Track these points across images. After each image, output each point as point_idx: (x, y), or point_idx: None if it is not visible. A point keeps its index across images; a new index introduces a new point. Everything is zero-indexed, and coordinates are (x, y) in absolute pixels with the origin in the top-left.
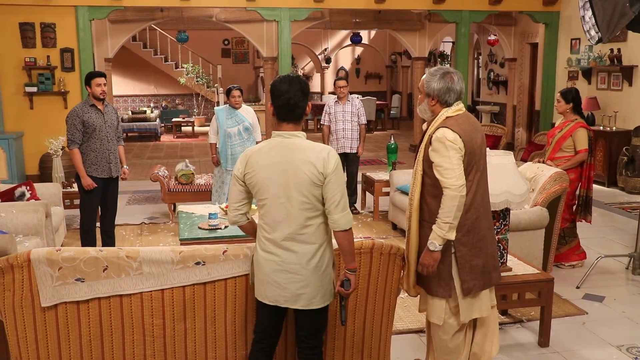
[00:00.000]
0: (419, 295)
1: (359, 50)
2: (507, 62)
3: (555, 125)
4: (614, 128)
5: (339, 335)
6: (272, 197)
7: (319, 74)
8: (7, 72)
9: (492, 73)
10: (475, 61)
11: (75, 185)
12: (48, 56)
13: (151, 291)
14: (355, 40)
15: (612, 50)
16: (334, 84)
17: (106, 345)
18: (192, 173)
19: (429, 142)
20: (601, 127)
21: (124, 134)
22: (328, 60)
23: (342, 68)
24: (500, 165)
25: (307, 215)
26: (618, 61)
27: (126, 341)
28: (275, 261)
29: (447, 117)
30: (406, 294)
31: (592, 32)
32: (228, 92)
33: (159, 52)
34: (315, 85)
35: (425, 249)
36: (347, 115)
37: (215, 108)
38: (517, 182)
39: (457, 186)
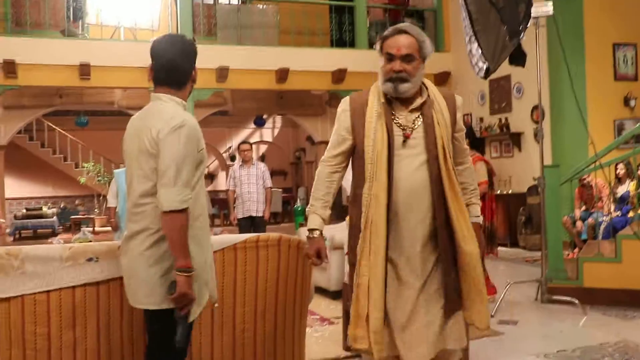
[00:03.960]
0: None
1: (263, 148)
2: None
3: None
4: (510, 191)
5: (248, 340)
6: (128, 164)
7: (224, 172)
8: None
9: None
10: None
11: None
12: None
13: (34, 293)
14: (259, 123)
15: (500, 119)
16: (238, 147)
17: None
18: (90, 241)
19: (452, 111)
20: (498, 192)
21: (17, 232)
22: (233, 158)
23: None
24: None
25: (143, 188)
26: (506, 129)
27: (1, 358)
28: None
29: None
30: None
31: (480, 64)
32: None
33: (57, 152)
34: (220, 184)
35: (476, 225)
36: (252, 178)
37: (115, 170)
38: None
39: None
